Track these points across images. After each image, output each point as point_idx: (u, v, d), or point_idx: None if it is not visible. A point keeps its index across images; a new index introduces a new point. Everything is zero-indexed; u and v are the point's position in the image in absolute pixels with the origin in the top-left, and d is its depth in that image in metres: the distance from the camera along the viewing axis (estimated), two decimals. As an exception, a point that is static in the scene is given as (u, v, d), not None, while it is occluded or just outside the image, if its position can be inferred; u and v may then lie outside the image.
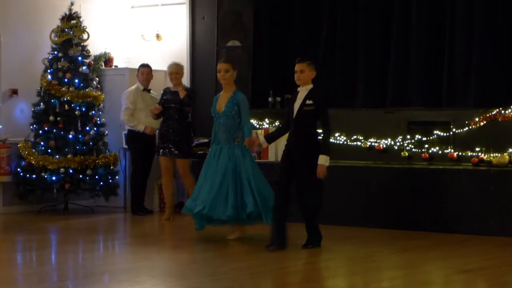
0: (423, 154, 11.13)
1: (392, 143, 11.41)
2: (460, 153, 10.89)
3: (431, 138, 11.21)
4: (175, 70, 11.41)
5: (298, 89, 9.20)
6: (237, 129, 9.63)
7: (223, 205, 9.41)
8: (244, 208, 9.42)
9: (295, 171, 9.09)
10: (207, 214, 9.50)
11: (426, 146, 11.18)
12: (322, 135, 9.11)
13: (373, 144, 11.53)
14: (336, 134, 11.72)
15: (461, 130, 10.97)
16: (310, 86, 9.15)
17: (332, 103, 12.14)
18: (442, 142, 11.12)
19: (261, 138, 9.66)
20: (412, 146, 11.27)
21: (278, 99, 12.42)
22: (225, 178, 9.49)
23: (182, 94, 11.26)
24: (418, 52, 11.87)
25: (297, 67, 9.16)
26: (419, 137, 11.24)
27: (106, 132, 12.43)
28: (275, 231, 9.12)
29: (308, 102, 9.05)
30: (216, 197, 9.45)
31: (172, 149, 11.30)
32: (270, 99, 12.47)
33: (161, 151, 11.36)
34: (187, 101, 11.35)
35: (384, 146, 11.44)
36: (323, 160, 8.94)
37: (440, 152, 11.07)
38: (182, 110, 11.40)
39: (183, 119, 11.44)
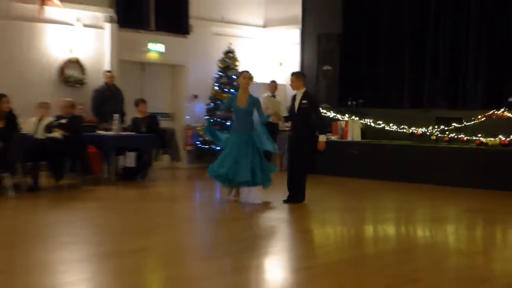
0: (444, 138, 10.97)
1: (426, 130, 11.26)
2: (468, 138, 10.73)
3: (450, 127, 10.98)
4: None
5: (296, 92, 8.27)
6: (251, 120, 8.35)
7: (244, 171, 8.21)
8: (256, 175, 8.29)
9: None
10: (228, 177, 8.30)
11: (447, 132, 10.99)
12: (317, 123, 8.19)
13: (413, 131, 11.41)
14: (391, 124, 11.62)
15: (470, 123, 10.77)
16: (303, 89, 8.20)
17: (388, 104, 12.20)
18: (457, 130, 10.90)
19: (282, 117, 8.65)
20: (438, 133, 11.09)
21: (354, 102, 12.39)
22: (244, 153, 8.25)
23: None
24: (443, 71, 11.69)
25: (290, 79, 8.30)
26: (443, 127, 11.06)
27: (249, 121, 12.85)
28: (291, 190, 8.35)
29: (303, 101, 8.15)
30: (237, 165, 8.23)
31: None
32: (349, 102, 12.43)
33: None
34: None
35: (421, 132, 11.31)
36: (322, 138, 8.13)
37: (456, 136, 10.89)
38: None
39: None
